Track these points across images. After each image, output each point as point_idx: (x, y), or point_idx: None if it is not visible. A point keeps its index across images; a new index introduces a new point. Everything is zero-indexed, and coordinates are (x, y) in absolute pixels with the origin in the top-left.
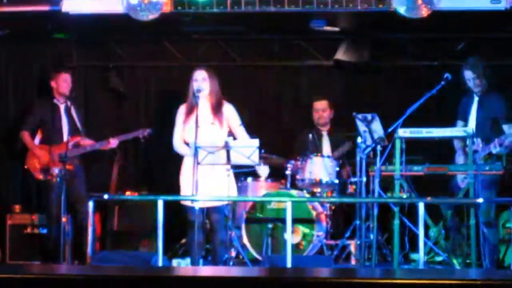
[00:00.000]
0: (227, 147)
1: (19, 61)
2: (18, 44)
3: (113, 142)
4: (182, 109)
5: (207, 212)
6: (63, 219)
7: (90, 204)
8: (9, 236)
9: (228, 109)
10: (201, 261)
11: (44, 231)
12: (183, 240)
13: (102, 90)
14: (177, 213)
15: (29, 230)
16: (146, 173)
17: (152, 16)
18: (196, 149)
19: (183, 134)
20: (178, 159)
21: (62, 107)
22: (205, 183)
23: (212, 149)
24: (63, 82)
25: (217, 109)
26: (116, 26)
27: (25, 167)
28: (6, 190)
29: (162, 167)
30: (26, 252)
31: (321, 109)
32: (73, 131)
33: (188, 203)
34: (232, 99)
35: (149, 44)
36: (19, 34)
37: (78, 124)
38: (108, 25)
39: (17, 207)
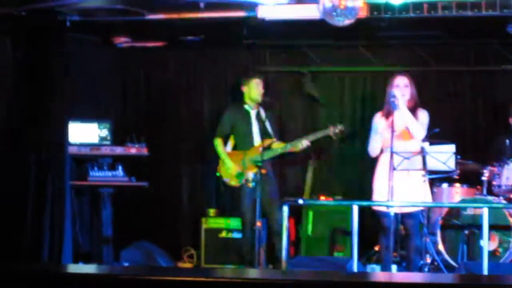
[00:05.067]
0: (423, 153)
1: (213, 67)
2: (213, 50)
3: (304, 143)
4: (379, 115)
5: (402, 218)
6: (258, 224)
7: (285, 208)
8: (204, 240)
9: (423, 116)
10: (395, 267)
11: (238, 235)
12: (377, 246)
13: (296, 95)
14: (371, 218)
15: (223, 234)
16: (340, 178)
17: (348, 21)
18: (392, 154)
19: (383, 140)
20: (373, 164)
21: (253, 113)
22: (400, 189)
23: (408, 155)
24: (255, 88)
25: (414, 115)
26: (310, 31)
27: (217, 174)
28: (201, 194)
29: (356, 172)
30: (221, 256)
31: None
32: (264, 136)
33: (382, 209)
34: (427, 104)
35: (343, 49)
36: (213, 40)
37: (270, 129)
38: (302, 30)
39: (212, 211)
